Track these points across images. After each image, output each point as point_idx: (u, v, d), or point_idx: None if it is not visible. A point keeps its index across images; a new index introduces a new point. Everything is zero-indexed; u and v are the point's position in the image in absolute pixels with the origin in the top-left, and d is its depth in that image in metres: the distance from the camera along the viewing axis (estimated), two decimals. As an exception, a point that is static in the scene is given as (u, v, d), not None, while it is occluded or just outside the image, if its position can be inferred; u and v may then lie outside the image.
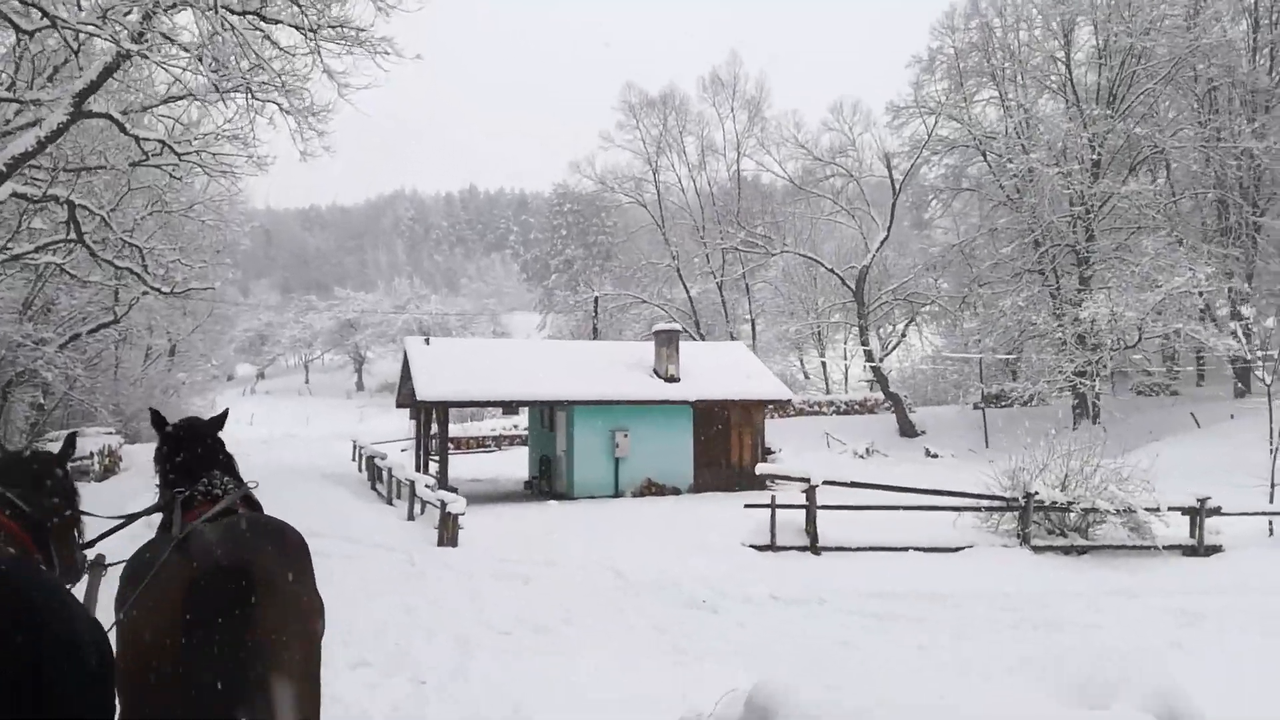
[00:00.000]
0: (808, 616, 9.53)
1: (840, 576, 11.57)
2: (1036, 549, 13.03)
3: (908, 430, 38.36)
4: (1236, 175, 33.59)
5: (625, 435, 20.75)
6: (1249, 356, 27.87)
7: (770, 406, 24.98)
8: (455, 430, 34.63)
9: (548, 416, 22.79)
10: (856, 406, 42.43)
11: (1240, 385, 37.14)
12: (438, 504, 13.57)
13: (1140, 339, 32.81)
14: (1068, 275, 34.13)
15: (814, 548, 12.70)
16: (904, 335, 47.96)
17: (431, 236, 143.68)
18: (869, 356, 39.94)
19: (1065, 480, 13.37)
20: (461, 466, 27.16)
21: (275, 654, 3.04)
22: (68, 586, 3.36)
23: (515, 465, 29.22)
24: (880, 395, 41.47)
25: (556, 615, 8.20)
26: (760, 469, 13.17)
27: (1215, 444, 26.72)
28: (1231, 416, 31.51)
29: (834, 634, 8.69)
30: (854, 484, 13.04)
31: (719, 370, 22.37)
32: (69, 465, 4.04)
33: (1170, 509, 13.34)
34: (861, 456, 34.73)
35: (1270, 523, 14.25)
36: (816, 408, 42.06)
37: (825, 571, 11.88)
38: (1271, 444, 14.67)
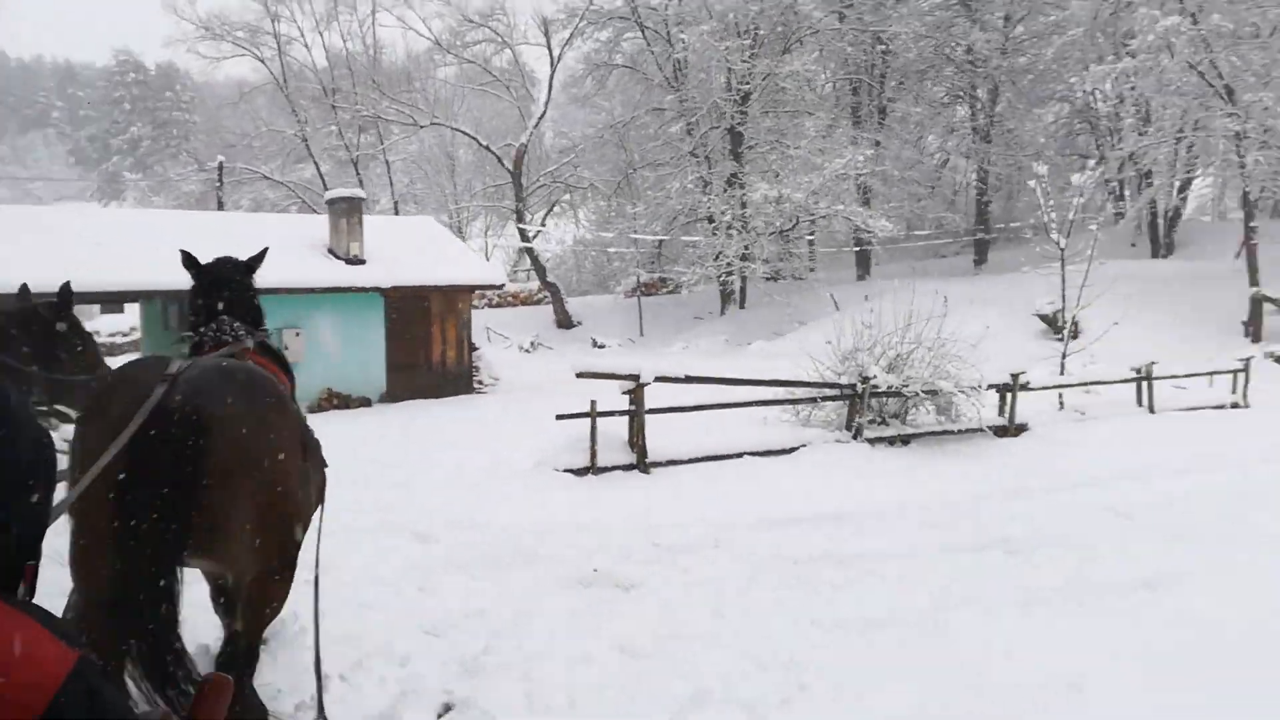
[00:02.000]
0: (747, 577, 6.46)
1: (696, 503, 8.66)
2: (871, 442, 11.10)
3: (565, 321, 36.37)
4: (871, 61, 34.89)
5: (298, 334, 15.90)
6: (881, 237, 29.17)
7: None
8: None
9: (179, 314, 17.07)
10: (510, 299, 39.45)
11: (861, 270, 39.72)
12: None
13: (798, 222, 33.24)
14: (725, 159, 33.35)
15: (642, 464, 9.63)
16: (544, 223, 45.54)
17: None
18: (524, 237, 36.95)
19: (894, 361, 11.51)
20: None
21: (218, 510, 2.85)
22: None
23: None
24: (535, 287, 38.92)
25: (417, 650, 4.32)
26: (576, 370, 9.68)
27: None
28: (866, 298, 33.06)
29: (827, 610, 5.75)
30: (689, 379, 10.10)
31: (413, 251, 17.94)
32: None
33: (989, 386, 12.07)
34: (527, 350, 32.24)
35: (1060, 396, 13.68)
36: (468, 301, 38.55)
37: (672, 496, 8.90)
38: (1062, 309, 14.07)
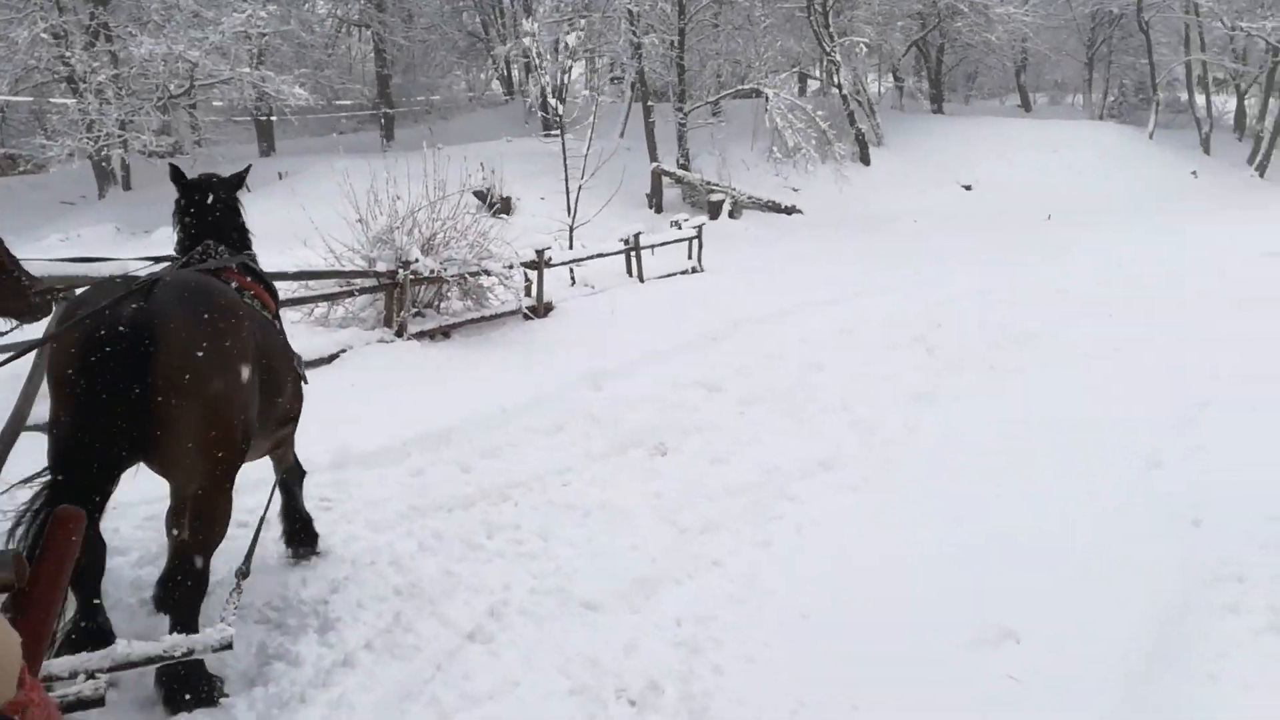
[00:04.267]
0: (418, 546, 4.82)
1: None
2: (419, 337, 9.53)
3: None
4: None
5: None
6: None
7: None
8: None
9: None
10: None
11: (265, 145, 35.97)
12: None
13: (193, 86, 28.24)
14: (83, 4, 26.76)
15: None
16: None
17: None
18: None
19: (429, 242, 9.90)
20: None
21: (161, 415, 2.88)
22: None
23: None
24: None
25: None
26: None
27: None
28: (280, 176, 29.97)
29: (549, 574, 4.42)
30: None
31: None
32: None
33: (522, 265, 11.13)
34: None
35: (571, 270, 13.26)
36: None
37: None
38: (569, 188, 13.44)
